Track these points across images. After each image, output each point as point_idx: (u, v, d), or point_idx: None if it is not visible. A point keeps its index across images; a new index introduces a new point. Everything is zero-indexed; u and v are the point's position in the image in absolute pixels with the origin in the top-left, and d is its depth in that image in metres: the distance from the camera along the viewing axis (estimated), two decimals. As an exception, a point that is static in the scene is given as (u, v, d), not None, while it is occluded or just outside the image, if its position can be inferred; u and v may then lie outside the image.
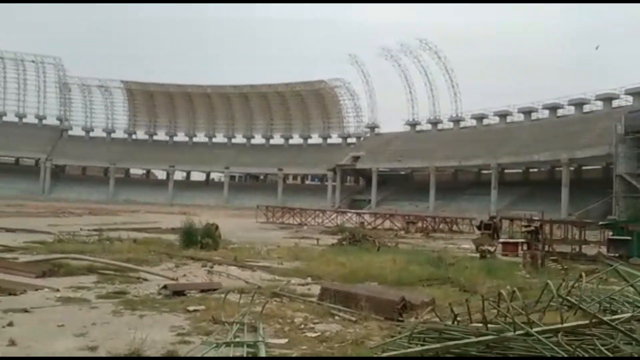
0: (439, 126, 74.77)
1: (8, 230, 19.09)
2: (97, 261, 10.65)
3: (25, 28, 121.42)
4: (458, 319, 5.37)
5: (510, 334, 4.44)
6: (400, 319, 6.60)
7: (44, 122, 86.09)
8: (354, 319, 6.70)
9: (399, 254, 14.48)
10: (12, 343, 5.25)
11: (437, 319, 5.80)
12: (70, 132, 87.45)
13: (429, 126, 75.56)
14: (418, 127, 76.78)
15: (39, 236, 16.82)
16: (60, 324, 6.21)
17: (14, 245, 13.82)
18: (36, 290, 8.21)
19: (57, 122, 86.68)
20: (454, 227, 34.87)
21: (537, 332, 4.34)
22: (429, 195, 60.33)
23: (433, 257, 13.36)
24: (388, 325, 6.43)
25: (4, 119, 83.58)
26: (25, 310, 6.76)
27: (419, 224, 33.68)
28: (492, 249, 16.46)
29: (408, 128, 77.37)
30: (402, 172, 72.75)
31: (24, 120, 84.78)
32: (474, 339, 4.46)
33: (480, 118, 69.19)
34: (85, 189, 75.39)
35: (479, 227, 25.82)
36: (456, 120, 72.60)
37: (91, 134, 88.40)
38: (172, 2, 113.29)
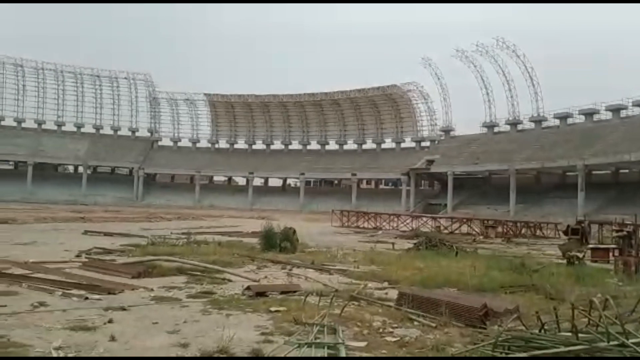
0: (519, 127, 71.23)
1: (106, 234, 20.71)
2: (186, 263, 11.25)
3: (118, 48, 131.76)
4: (545, 327, 5.17)
5: (603, 344, 4.22)
6: (482, 326, 6.43)
7: (137, 134, 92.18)
8: (433, 324, 6.60)
9: (478, 260, 14.05)
10: (113, 339, 5.66)
11: (522, 327, 5.61)
12: (160, 143, 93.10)
13: (508, 127, 72.18)
14: (496, 129, 73.68)
15: (133, 239, 17.89)
16: (155, 321, 6.60)
17: (112, 248, 14.91)
18: (132, 289, 8.76)
19: (148, 134, 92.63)
20: (538, 232, 33.16)
21: (634, 343, 4.10)
22: (508, 198, 57.61)
23: (516, 263, 12.83)
24: (470, 332, 6.29)
25: (101, 132, 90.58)
26: (123, 309, 7.24)
27: (499, 229, 32.31)
28: (580, 254, 15.48)
29: (485, 130, 74.48)
30: (480, 176, 70.09)
31: (119, 133, 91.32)
32: (563, 349, 4.29)
33: (564, 117, 65.07)
34: (174, 196, 79.84)
35: (565, 232, 24.37)
36: (538, 120, 68.83)
37: (179, 144, 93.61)
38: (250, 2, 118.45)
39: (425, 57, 76.65)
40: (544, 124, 68.28)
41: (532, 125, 69.50)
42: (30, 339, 5.56)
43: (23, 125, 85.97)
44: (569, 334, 4.77)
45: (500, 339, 4.65)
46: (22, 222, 27.33)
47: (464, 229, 33.19)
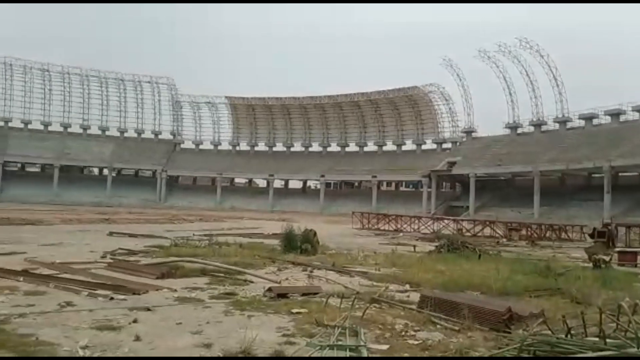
0: (543, 128, 70.20)
1: (131, 235, 20.99)
2: (209, 264, 11.34)
3: (143, 52, 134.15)
4: (572, 332, 5.07)
5: (633, 350, 4.13)
6: (506, 330, 6.33)
7: (160, 137, 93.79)
8: (456, 328, 6.51)
9: (502, 263, 13.82)
10: (138, 338, 5.74)
11: (548, 332, 5.51)
12: (182, 146, 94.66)
13: (532, 128, 71.19)
14: (519, 130, 72.72)
15: (157, 241, 18.07)
16: (179, 321, 6.66)
17: (136, 249, 15.11)
18: (156, 290, 8.84)
19: (171, 137, 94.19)
20: (563, 235, 32.54)
21: (665, 349, 3.99)
22: (532, 201, 56.71)
23: (540, 267, 12.59)
24: (493, 336, 6.19)
25: (125, 135, 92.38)
26: (148, 309, 7.33)
27: (523, 232, 31.82)
28: (607, 258, 15.12)
29: (508, 131, 73.53)
30: (502, 178, 69.21)
31: (142, 136, 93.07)
32: (590, 354, 4.21)
33: (589, 118, 63.85)
34: (196, 197, 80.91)
35: (591, 235, 23.93)
36: (562, 121, 67.66)
37: (200, 147, 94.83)
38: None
39: (446, 58, 76.19)
40: (569, 125, 67.15)
41: (557, 126, 68.45)
42: (58, 338, 5.67)
43: (49, 128, 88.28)
44: (597, 339, 4.67)
45: (525, 343, 4.58)
46: (49, 224, 27.93)
47: (487, 231, 32.77)
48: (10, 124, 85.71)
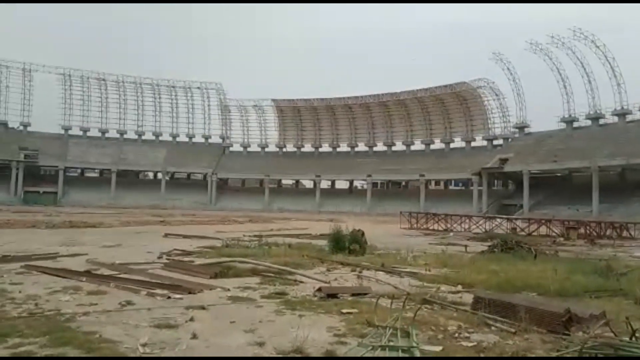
0: (601, 121, 66.84)
1: (185, 236, 21.68)
2: (259, 264, 11.56)
3: (190, 59, 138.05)
4: (636, 334, 4.84)
5: None
6: (566, 332, 6.10)
7: (210, 141, 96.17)
8: (512, 330, 6.33)
9: (559, 263, 13.28)
10: (195, 336, 5.93)
11: (610, 334, 5.27)
12: (231, 149, 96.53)
13: (588, 122, 67.93)
14: (575, 124, 69.60)
15: (209, 242, 18.63)
16: (232, 320, 6.85)
17: (190, 250, 15.62)
18: (210, 289, 9.11)
19: (220, 140, 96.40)
20: (624, 233, 30.87)
21: None
22: (591, 198, 54.10)
23: (601, 266, 12.02)
24: (552, 338, 5.98)
25: (177, 139, 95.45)
26: (203, 308, 7.56)
27: (581, 230, 30.45)
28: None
29: (563, 125, 70.50)
30: (558, 174, 66.43)
31: (193, 140, 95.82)
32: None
33: (651, 109, 60.40)
34: (245, 199, 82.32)
35: (657, 233, 22.62)
36: (622, 114, 64.14)
37: (248, 150, 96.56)
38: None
39: (496, 52, 74.12)
40: (629, 117, 63.62)
41: (615, 119, 64.97)
42: (120, 335, 5.93)
43: (107, 135, 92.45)
44: (665, 343, 4.43)
45: (586, 345, 4.41)
46: (109, 226, 29.27)
47: (543, 230, 31.58)
48: (70, 132, 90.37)
